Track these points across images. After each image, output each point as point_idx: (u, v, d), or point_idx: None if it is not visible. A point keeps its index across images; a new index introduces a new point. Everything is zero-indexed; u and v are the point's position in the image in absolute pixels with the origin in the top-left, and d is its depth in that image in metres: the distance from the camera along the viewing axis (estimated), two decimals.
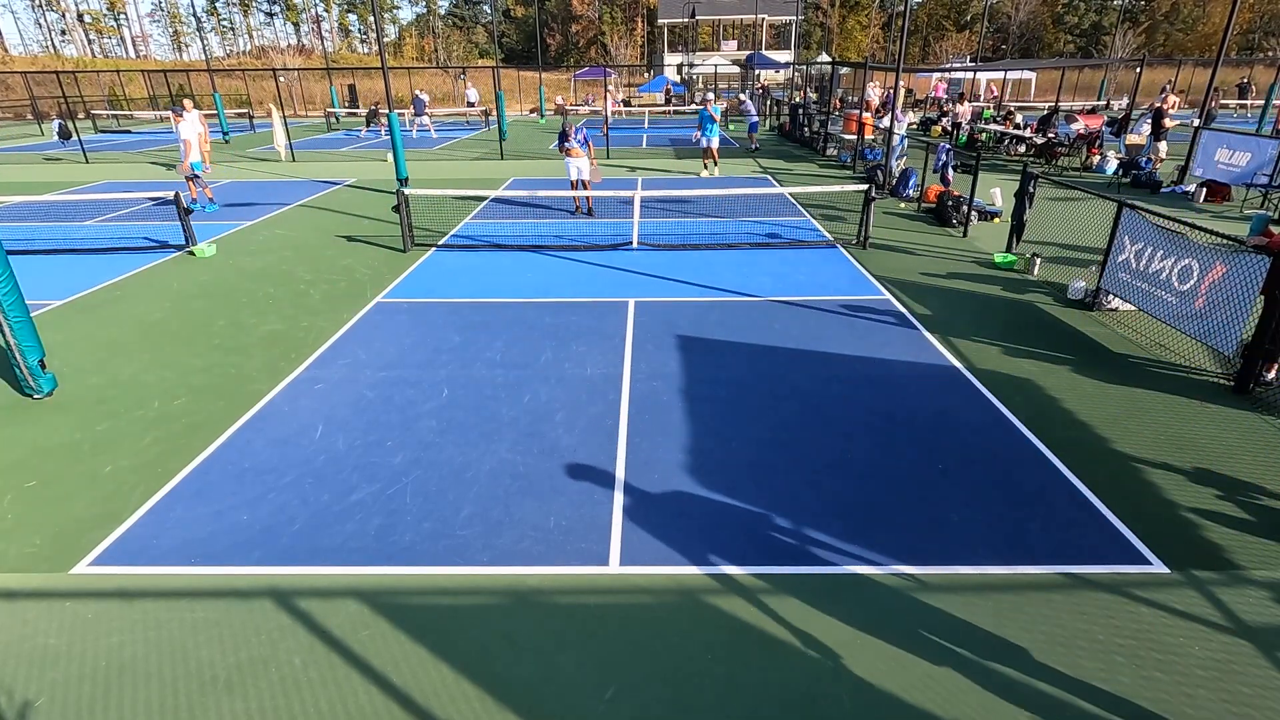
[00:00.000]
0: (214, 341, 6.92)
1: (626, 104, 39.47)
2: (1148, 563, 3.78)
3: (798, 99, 25.71)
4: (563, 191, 12.41)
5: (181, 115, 12.37)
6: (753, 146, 21.01)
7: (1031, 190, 9.24)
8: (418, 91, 26.79)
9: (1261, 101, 13.90)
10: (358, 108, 33.80)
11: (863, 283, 8.57)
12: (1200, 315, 6.15)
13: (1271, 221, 8.18)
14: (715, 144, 15.83)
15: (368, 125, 26.98)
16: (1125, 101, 24.22)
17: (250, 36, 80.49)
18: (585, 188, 12.20)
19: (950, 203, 11.31)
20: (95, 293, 8.43)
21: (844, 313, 7.55)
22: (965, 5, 66.20)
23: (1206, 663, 3.15)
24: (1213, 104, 14.28)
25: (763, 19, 49.30)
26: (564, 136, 11.79)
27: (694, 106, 28.44)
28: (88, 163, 19.63)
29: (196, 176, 12.51)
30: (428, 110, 26.11)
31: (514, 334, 6.99)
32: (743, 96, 28.00)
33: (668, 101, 37.07)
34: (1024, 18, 59.58)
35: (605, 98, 23.90)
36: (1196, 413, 5.40)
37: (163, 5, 78.57)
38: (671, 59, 51.17)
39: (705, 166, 16.36)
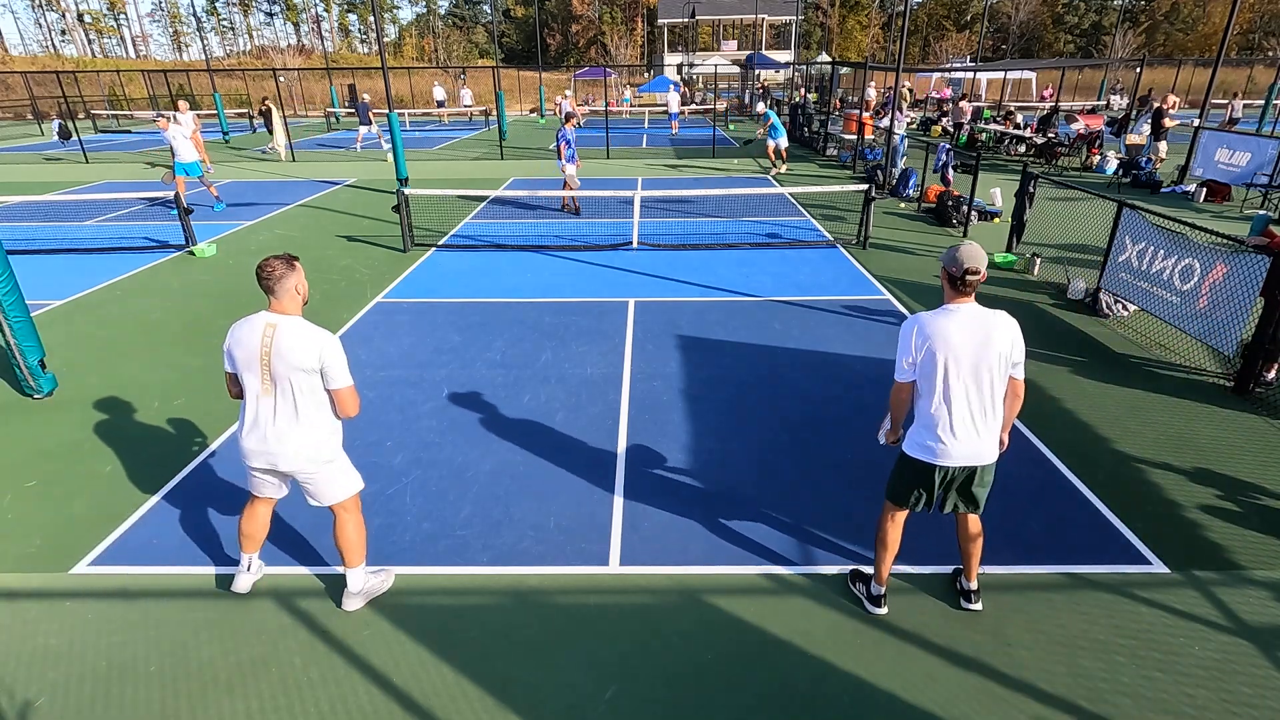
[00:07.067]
0: (214, 341, 6.90)
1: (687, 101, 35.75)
2: (1148, 563, 3.78)
3: (797, 99, 25.70)
4: (562, 192, 12.42)
5: (177, 120, 12.32)
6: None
7: (1031, 190, 9.23)
8: (365, 95, 23.48)
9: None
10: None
11: (863, 283, 8.57)
12: (1203, 315, 6.15)
13: (1272, 222, 8.18)
14: (784, 142, 16.05)
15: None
16: (1125, 101, 24.06)
17: (250, 36, 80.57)
18: (567, 187, 12.25)
19: (950, 203, 11.31)
20: (95, 293, 8.43)
21: (844, 313, 7.55)
22: (965, 5, 66.23)
23: (1206, 663, 3.15)
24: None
25: (763, 19, 49.30)
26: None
27: (692, 107, 28.45)
28: (88, 163, 19.63)
29: (196, 178, 12.55)
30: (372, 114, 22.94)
31: (514, 334, 6.99)
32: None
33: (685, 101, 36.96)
34: (1024, 18, 59.59)
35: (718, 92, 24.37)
36: (1196, 413, 5.40)
37: (163, 5, 78.66)
38: (671, 59, 51.18)
39: (776, 165, 16.33)
